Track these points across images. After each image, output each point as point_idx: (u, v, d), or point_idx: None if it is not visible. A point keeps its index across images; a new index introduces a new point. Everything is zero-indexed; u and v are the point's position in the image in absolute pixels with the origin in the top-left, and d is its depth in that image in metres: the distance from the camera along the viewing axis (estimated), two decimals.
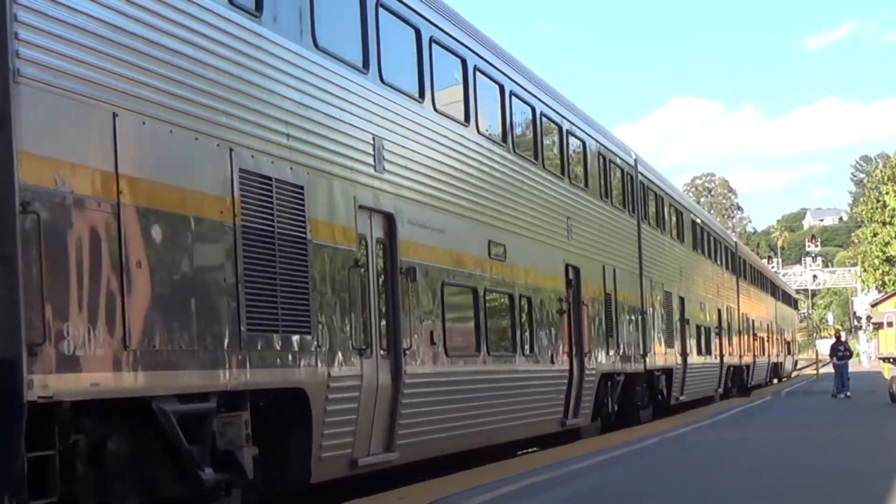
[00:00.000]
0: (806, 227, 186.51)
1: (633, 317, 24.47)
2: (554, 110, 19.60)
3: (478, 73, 15.90)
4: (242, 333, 9.75)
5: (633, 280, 24.86)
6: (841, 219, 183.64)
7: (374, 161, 12.57)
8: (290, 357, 10.56)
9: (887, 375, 38.44)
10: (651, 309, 26.45)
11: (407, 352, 12.96)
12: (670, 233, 30.59)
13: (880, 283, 67.51)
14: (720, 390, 37.72)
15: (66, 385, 7.74)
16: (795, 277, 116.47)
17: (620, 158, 24.72)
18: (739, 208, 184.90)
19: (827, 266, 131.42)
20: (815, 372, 64.63)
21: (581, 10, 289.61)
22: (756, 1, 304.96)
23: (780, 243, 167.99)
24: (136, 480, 9.04)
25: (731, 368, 40.67)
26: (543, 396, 18.23)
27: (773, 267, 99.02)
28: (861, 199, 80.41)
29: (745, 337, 45.19)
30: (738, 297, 43.73)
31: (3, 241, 7.36)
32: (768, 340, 54.22)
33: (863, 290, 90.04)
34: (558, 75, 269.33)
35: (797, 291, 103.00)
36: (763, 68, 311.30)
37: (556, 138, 19.90)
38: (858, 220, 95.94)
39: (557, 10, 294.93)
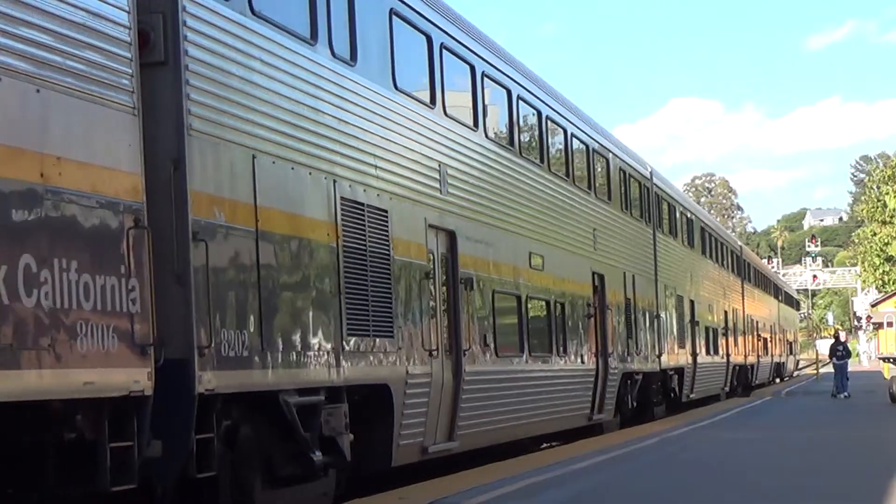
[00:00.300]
0: (806, 227, 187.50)
1: (649, 319, 26.36)
2: (582, 131, 21.52)
3: (520, 101, 17.78)
4: (343, 337, 11.61)
5: (649, 285, 26.73)
6: (841, 219, 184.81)
7: (440, 185, 14.43)
8: (377, 357, 12.41)
9: (887, 375, 39.01)
10: (665, 312, 28.37)
11: (466, 352, 14.82)
12: (682, 239, 32.58)
13: (880, 283, 67.81)
14: (726, 389, 39.67)
15: (223, 381, 9.59)
16: (795, 277, 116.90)
17: (638, 172, 26.66)
18: (739, 208, 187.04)
19: (827, 266, 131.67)
20: (815, 372, 65.57)
21: (581, 10, 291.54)
22: (757, 0, 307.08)
23: (780, 243, 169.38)
24: (260, 460, 10.88)
25: (737, 368, 42.64)
26: (574, 393, 20.11)
27: (773, 267, 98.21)
28: (861, 199, 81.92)
29: (750, 337, 47.21)
30: (743, 298, 45.75)
31: (181, 265, 9.19)
32: (771, 340, 56.31)
33: (863, 290, 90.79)
34: (558, 75, 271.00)
35: (797, 291, 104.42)
36: (764, 68, 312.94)
37: (585, 156, 21.83)
38: (858, 219, 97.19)
39: (558, 10, 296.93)
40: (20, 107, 7.54)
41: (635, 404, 25.19)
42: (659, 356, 27.27)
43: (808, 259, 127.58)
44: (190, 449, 9.21)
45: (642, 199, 27.01)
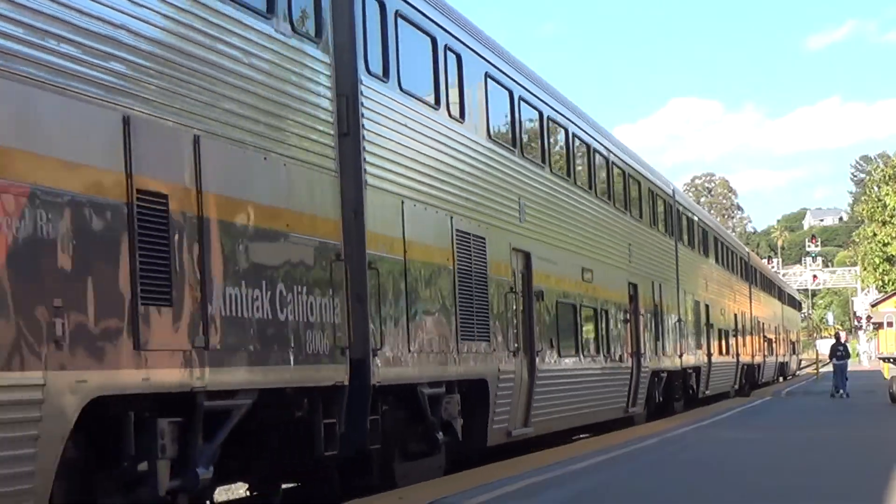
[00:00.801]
0: (806, 227, 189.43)
1: (673, 323, 29.76)
2: (621, 159, 25.13)
3: (575, 138, 21.14)
4: (458, 341, 14.89)
5: (672, 292, 30.13)
6: (841, 219, 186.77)
7: (519, 214, 17.74)
8: (479, 357, 15.69)
9: (887, 375, 39.64)
10: (685, 316, 31.84)
11: (538, 353, 18.11)
12: (698, 249, 36.20)
13: (880, 283, 68.73)
14: (736, 386, 43.09)
15: (386, 376, 12.84)
16: (795, 277, 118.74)
17: (663, 191, 30.37)
18: (739, 208, 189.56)
19: (827, 266, 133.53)
20: (814, 372, 67.34)
21: (582, 10, 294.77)
22: (757, 0, 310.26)
23: (780, 243, 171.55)
24: (400, 438, 14.14)
25: (745, 367, 46.15)
26: (615, 388, 23.44)
27: (773, 267, 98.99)
28: (861, 199, 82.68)
29: (757, 338, 50.84)
30: (751, 302, 49.42)
31: (361, 288, 12.45)
32: (776, 341, 60.05)
33: (863, 290, 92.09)
34: (559, 75, 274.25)
35: (797, 291, 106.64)
36: (764, 68, 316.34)
37: (622, 181, 25.29)
38: (858, 219, 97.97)
39: (558, 10, 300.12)
40: (284, 179, 10.83)
41: (661, 399, 28.50)
42: (680, 356, 30.65)
43: (808, 259, 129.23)
44: (367, 427, 12.45)
45: (666, 215, 30.58)
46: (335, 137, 11.93)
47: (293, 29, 11.21)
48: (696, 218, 36.29)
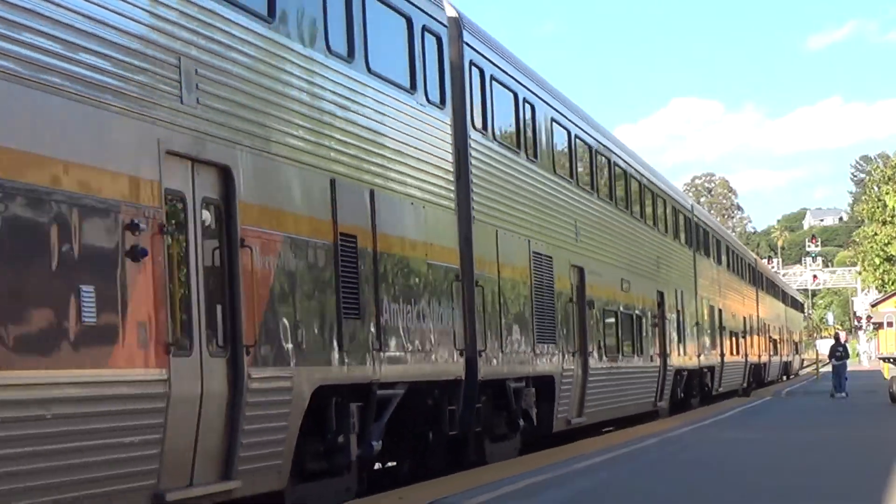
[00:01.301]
0: (806, 227, 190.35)
1: (692, 326, 33.45)
2: (651, 181, 29.07)
3: (615, 166, 24.85)
4: (535, 343, 18.36)
5: (691, 298, 33.88)
6: (841, 219, 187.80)
7: (575, 235, 21.28)
8: (549, 357, 19.15)
9: (887, 375, 40.11)
10: (702, 319, 35.59)
11: (590, 354, 21.61)
12: (713, 258, 40.00)
13: (880, 283, 68.18)
14: (745, 384, 46.69)
15: (487, 372, 16.27)
16: (795, 277, 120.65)
17: (684, 207, 34.40)
18: (739, 208, 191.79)
19: (827, 266, 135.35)
20: (814, 372, 69.06)
21: (582, 10, 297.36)
22: (758, 0, 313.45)
23: (780, 243, 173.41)
24: (490, 424, 17.55)
25: (753, 366, 49.78)
26: (647, 385, 27.07)
27: (773, 267, 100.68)
28: (861, 199, 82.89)
29: (763, 339, 54.63)
30: (758, 305, 53.19)
31: (471, 301, 15.91)
32: (780, 342, 63.81)
33: (863, 290, 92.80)
34: (560, 75, 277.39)
35: (797, 291, 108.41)
36: (765, 68, 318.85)
37: (651, 201, 29.23)
38: (858, 219, 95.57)
39: (558, 9, 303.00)
40: (422, 218, 14.35)
41: (682, 395, 32.25)
42: (698, 356, 34.35)
43: (808, 259, 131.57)
44: (475, 413, 15.90)
45: (686, 228, 34.51)
46: (453, 182, 15.38)
47: (427, 99, 14.68)
48: (710, 230, 40.30)
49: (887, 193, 66.44)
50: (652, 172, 29.74)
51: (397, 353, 13.32)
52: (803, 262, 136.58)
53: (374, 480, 14.57)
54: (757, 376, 51.84)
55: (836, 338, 44.12)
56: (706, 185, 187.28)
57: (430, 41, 15.03)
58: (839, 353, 41.06)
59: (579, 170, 22.01)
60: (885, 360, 39.15)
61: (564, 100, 21.45)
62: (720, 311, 40.00)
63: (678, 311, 31.47)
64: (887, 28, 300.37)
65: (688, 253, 34.49)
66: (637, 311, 26.28)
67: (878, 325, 37.75)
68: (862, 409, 30.96)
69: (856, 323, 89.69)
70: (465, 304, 15.50)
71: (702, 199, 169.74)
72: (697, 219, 37.11)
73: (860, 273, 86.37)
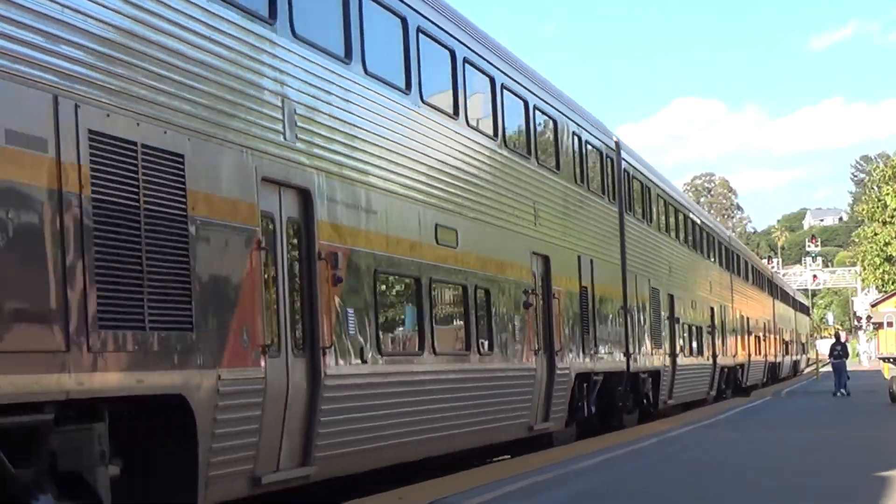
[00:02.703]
0: (806, 227, 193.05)
1: (730, 332, 42.72)
2: (705, 223, 39.16)
3: (661, 199, 33.21)
4: (652, 348, 28.22)
5: (729, 310, 43.26)
6: (841, 219, 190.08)
7: (669, 272, 31.30)
8: (657, 357, 28.79)
9: (887, 375, 40.56)
10: (736, 327, 45.16)
11: (677, 355, 31.35)
12: (743, 277, 49.65)
13: (880, 282, 70.23)
14: (763, 380, 56.04)
15: (633, 367, 25.91)
16: (795, 277, 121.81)
17: (721, 235, 44.40)
18: (739, 208, 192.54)
19: (827, 266, 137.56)
20: (814, 372, 70.75)
21: (584, 10, 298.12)
22: (760, 0, 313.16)
23: (780, 243, 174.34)
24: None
25: (769, 364, 59.34)
26: (705, 378, 36.95)
27: (773, 267, 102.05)
28: (861, 199, 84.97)
29: (777, 340, 64.16)
30: (774, 312, 62.84)
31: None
32: (790, 343, 73.27)
33: (863, 290, 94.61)
34: (562, 74, 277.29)
35: (796, 291, 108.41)
36: (767, 68, 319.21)
37: (707, 239, 39.30)
38: (858, 219, 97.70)
39: (560, 9, 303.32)
40: (605, 271, 24.60)
41: (724, 387, 41.59)
42: (734, 356, 43.93)
43: (808, 259, 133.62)
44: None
45: (726, 254, 44.36)
46: (619, 246, 25.26)
47: (609, 199, 25.03)
48: (741, 254, 50.90)
49: (888, 194, 68.23)
50: (677, 192, 37.58)
51: (601, 355, 23.58)
52: (803, 262, 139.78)
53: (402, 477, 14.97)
54: (773, 372, 61.18)
55: (837, 337, 45.90)
56: (706, 185, 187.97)
57: (608, 159, 25.22)
58: (837, 352, 42.79)
59: (682, 235, 33.89)
60: (885, 360, 40.03)
61: (672, 186, 33.15)
62: (748, 319, 49.45)
63: (722, 322, 40.75)
64: (890, 28, 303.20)
65: (727, 276, 44.38)
66: (700, 323, 35.72)
67: (878, 325, 38.77)
68: (862, 409, 31.67)
69: (856, 323, 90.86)
70: (626, 324, 25.61)
71: (702, 199, 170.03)
72: (732, 247, 47.62)
73: (861, 273, 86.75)
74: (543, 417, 19.76)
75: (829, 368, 44.88)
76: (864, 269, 78.73)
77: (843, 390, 40.35)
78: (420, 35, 15.29)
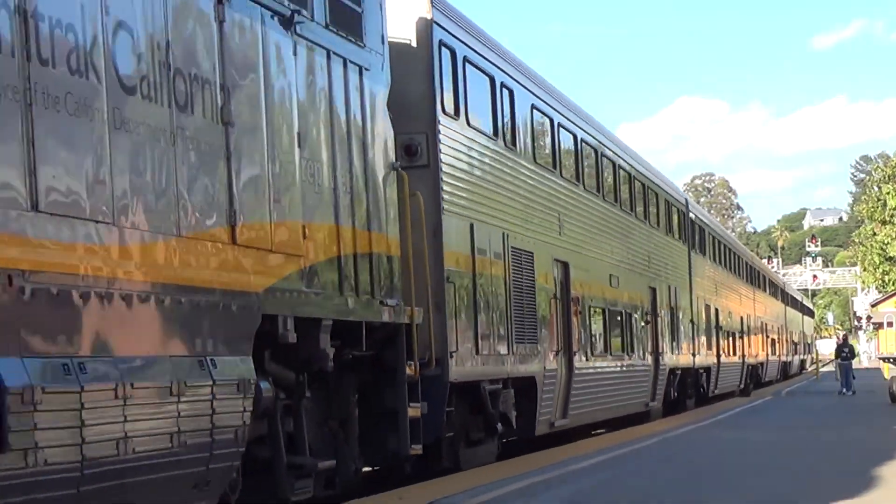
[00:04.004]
0: (806, 227, 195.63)
1: (749, 333, 50.56)
2: (721, 236, 46.24)
3: (718, 243, 42.42)
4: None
5: (754, 319, 51.59)
6: (841, 219, 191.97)
7: (716, 289, 40.21)
8: (705, 355, 37.69)
9: (887, 375, 40.99)
10: (760, 332, 53.81)
11: (719, 355, 40.91)
12: (762, 289, 57.75)
13: (880, 283, 70.95)
14: (779, 376, 65.04)
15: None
16: (795, 277, 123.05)
17: (744, 253, 52.79)
18: (739, 208, 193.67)
19: (827, 266, 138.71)
20: (814, 372, 72.44)
21: (589, 10, 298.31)
22: (764, 0, 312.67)
23: (780, 243, 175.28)
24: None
25: (782, 362, 68.05)
26: (736, 373, 44.96)
27: (773, 267, 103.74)
28: (861, 199, 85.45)
29: (788, 341, 72.27)
30: (786, 317, 70.89)
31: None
32: (798, 343, 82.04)
33: (863, 290, 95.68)
34: (565, 74, 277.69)
35: (798, 292, 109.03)
36: (770, 67, 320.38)
37: (736, 261, 47.66)
38: (859, 219, 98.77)
39: (565, 9, 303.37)
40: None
41: (750, 383, 49.12)
42: (755, 356, 51.85)
43: (808, 259, 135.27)
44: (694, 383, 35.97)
45: (750, 271, 52.28)
46: (688, 273, 32.58)
47: (683, 242, 33.06)
48: (761, 270, 59.69)
49: (888, 193, 69.12)
50: (739, 246, 48.61)
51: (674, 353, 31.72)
52: (803, 262, 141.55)
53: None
54: (783, 369, 69.16)
55: (844, 338, 48.59)
56: (706, 185, 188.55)
57: (680, 212, 33.69)
58: (844, 353, 44.63)
59: (723, 260, 42.17)
60: (885, 360, 40.81)
61: (718, 225, 42.74)
62: (766, 324, 58.08)
63: (749, 327, 48.78)
64: (893, 27, 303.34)
65: (751, 289, 52.80)
66: (734, 330, 43.70)
67: (878, 325, 39.59)
68: (862, 408, 32.12)
69: (856, 323, 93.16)
70: (692, 331, 33.82)
71: (701, 199, 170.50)
72: (754, 263, 56.80)
73: (860, 273, 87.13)
74: (652, 398, 28.94)
75: (830, 368, 48.57)
76: (864, 269, 79.54)
77: (850, 390, 41.77)
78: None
